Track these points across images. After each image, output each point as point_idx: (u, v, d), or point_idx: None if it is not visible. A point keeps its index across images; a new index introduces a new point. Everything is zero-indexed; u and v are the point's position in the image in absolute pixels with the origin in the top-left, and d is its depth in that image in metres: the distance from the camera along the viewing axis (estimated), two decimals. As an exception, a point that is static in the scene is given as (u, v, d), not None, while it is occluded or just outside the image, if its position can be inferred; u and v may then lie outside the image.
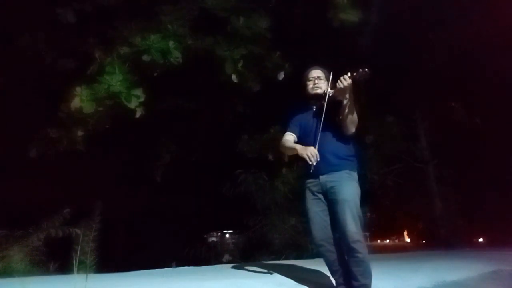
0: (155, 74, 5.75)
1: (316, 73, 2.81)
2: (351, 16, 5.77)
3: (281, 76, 6.25)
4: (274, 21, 6.07)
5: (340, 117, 2.58)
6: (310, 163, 2.49)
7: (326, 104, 2.57)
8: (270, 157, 7.48)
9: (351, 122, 2.58)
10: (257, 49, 5.92)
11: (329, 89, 2.66)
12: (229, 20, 5.88)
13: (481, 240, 15.51)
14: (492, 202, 10.69)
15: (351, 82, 2.46)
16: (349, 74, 2.46)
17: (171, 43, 5.44)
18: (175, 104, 7.87)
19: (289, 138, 2.83)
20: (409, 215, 12.84)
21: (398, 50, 7.71)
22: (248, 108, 8.18)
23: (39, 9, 5.83)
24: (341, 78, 2.48)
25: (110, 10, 5.88)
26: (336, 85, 2.53)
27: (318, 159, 2.49)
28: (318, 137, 2.56)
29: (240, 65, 5.82)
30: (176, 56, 5.50)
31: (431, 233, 11.23)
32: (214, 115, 8.64)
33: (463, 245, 9.33)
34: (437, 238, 9.78)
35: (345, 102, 2.51)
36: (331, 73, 2.68)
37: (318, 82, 2.77)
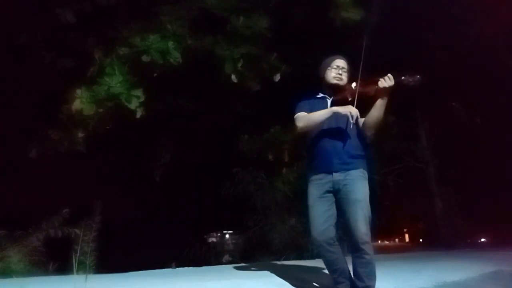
0: (155, 75, 5.73)
1: (341, 62, 2.65)
2: (353, 14, 5.74)
3: (277, 78, 6.23)
4: (274, 20, 6.06)
5: (369, 117, 2.47)
6: (352, 121, 2.37)
7: (354, 100, 2.42)
8: (270, 157, 7.47)
9: (378, 123, 2.48)
10: (257, 49, 5.90)
11: (355, 84, 2.48)
12: (229, 19, 5.86)
13: (483, 240, 15.50)
14: (492, 202, 10.69)
15: (394, 83, 2.33)
16: (389, 74, 2.33)
17: (170, 43, 5.42)
18: (175, 104, 7.86)
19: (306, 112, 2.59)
20: (409, 215, 12.82)
21: (398, 50, 7.70)
22: (248, 108, 8.16)
23: (38, 9, 5.82)
24: (386, 77, 2.34)
25: (110, 10, 5.87)
26: (378, 82, 2.36)
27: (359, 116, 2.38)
28: (349, 133, 2.48)
29: (239, 65, 5.80)
30: (176, 56, 5.47)
31: (431, 233, 11.23)
32: (214, 115, 8.63)
33: (463, 245, 9.33)
34: (438, 238, 9.77)
35: (380, 102, 2.40)
36: (361, 65, 2.50)
37: (342, 73, 2.62)
